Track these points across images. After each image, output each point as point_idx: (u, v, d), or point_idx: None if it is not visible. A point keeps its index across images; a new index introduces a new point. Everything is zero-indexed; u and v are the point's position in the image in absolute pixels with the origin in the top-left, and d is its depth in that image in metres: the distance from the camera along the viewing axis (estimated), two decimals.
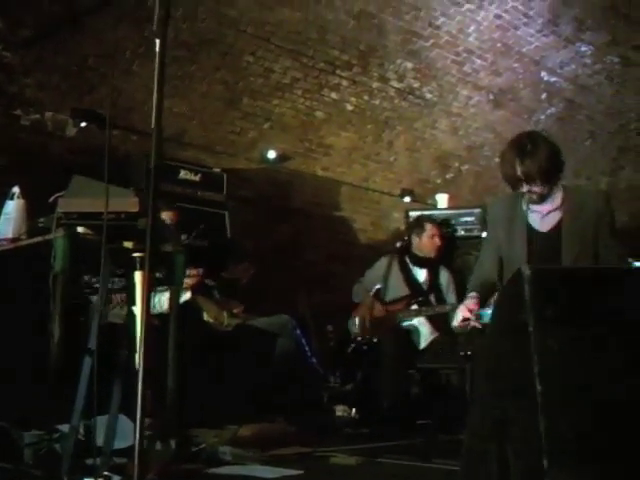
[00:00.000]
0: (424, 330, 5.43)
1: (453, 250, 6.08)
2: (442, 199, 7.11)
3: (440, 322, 5.30)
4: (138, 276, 2.68)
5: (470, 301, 3.45)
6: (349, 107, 6.86)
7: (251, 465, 3.42)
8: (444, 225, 6.11)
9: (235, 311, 5.07)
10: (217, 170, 6.01)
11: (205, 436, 3.63)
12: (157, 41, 2.03)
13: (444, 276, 5.66)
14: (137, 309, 2.60)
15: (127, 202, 2.71)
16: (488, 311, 3.39)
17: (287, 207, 6.99)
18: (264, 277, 5.64)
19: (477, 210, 6.19)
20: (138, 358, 1.89)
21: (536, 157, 3.24)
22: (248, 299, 5.31)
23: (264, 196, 6.80)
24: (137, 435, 1.78)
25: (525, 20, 6.61)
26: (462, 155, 7.82)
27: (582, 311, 1.90)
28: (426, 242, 5.69)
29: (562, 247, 3.36)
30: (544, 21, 6.68)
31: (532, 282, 1.87)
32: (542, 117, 7.80)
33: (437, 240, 5.71)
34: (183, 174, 5.79)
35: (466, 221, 6.18)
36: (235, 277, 5.33)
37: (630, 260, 5.02)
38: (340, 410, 5.60)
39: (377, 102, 6.94)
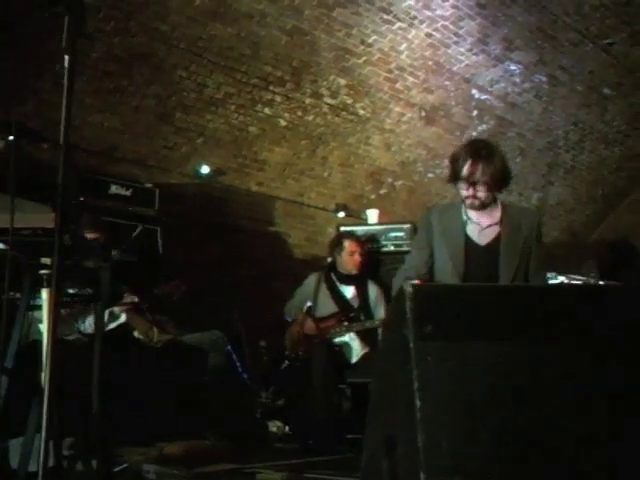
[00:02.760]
0: (355, 345, 5.46)
1: (381, 265, 6.13)
2: (372, 214, 7.16)
3: (370, 337, 5.35)
4: (45, 293, 2.63)
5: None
6: (283, 123, 6.88)
7: None
8: (370, 241, 6.17)
9: (164, 327, 5.03)
10: (149, 185, 5.96)
11: (129, 455, 3.59)
12: (66, 57, 2.00)
13: (373, 291, 5.69)
14: (43, 327, 2.56)
15: (44, 217, 2.67)
16: None
17: (221, 222, 6.96)
18: (197, 293, 5.60)
19: (407, 225, 6.26)
20: (44, 376, 1.86)
21: (490, 163, 3.33)
22: (180, 315, 5.27)
23: (197, 211, 6.75)
24: (41, 457, 1.74)
25: (455, 39, 6.75)
26: (395, 171, 7.90)
27: (460, 327, 1.95)
28: (346, 259, 5.72)
29: (500, 262, 3.43)
30: (474, 40, 6.83)
31: (413, 299, 1.91)
32: (474, 134, 7.93)
33: (357, 257, 5.72)
34: (114, 189, 5.72)
35: (396, 236, 6.24)
36: (166, 293, 5.29)
37: (554, 275, 5.16)
38: (273, 426, 5.59)
39: (311, 118, 6.97)
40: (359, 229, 6.29)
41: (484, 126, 7.94)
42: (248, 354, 5.83)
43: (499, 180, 3.39)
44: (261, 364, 6.08)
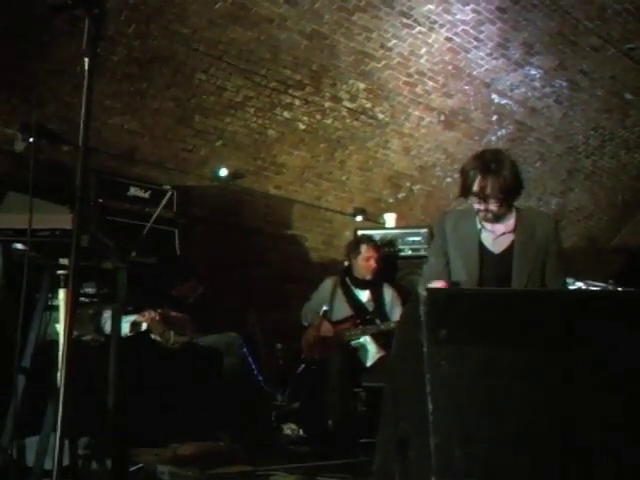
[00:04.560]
0: (371, 348, 5.47)
1: (398, 269, 6.13)
2: (390, 218, 7.16)
3: (386, 340, 5.34)
4: (62, 294, 2.65)
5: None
6: (301, 126, 6.89)
7: None
8: (388, 245, 6.17)
9: (181, 329, 5.05)
10: (167, 187, 5.99)
11: (144, 455, 3.61)
12: (86, 59, 2.02)
13: (388, 294, 5.70)
14: (60, 327, 2.58)
15: (62, 219, 2.69)
16: None
17: (238, 225, 6.99)
18: (213, 295, 5.63)
19: (424, 230, 6.27)
20: (59, 377, 1.88)
21: (499, 176, 3.27)
22: (197, 317, 5.29)
23: (215, 214, 6.78)
24: (56, 456, 1.76)
25: (475, 43, 6.74)
26: (414, 175, 7.89)
27: (474, 332, 1.94)
28: (362, 264, 5.73)
29: (513, 269, 3.39)
30: (494, 45, 6.82)
31: (427, 304, 1.91)
32: (493, 138, 7.92)
33: (372, 262, 5.74)
34: (133, 191, 5.74)
35: (413, 240, 6.23)
36: (182, 294, 5.32)
37: (572, 280, 5.13)
38: (288, 428, 5.60)
39: (329, 122, 6.98)
40: (376, 233, 6.29)
41: (503, 131, 7.92)
42: (264, 356, 5.84)
43: (511, 192, 3.34)
44: (277, 367, 6.10)
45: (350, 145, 7.29)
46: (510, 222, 3.45)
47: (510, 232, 3.44)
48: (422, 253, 6.00)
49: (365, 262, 5.72)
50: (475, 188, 3.29)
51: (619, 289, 5.59)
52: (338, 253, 7.37)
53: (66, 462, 2.88)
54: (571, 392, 1.92)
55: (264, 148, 6.88)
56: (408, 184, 7.95)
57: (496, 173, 3.27)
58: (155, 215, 5.41)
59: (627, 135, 8.47)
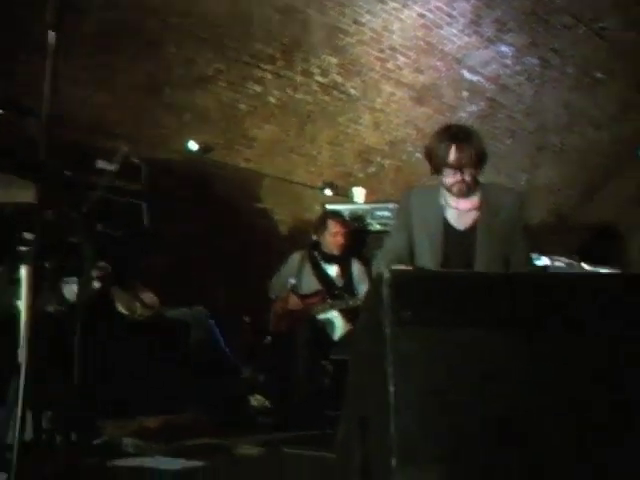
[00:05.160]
0: (339, 323, 5.51)
1: (367, 244, 6.15)
2: (359, 193, 7.17)
3: (353, 315, 5.37)
4: (23, 270, 2.64)
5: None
6: (273, 100, 6.87)
7: (152, 457, 3.43)
8: (356, 220, 6.18)
9: (148, 302, 5.04)
10: (135, 160, 5.95)
11: (108, 428, 3.63)
12: (51, 32, 2.02)
13: (356, 268, 5.72)
14: (22, 303, 2.58)
15: (27, 193, 2.69)
16: None
17: (208, 198, 6.97)
18: (182, 267, 5.64)
19: (393, 205, 6.26)
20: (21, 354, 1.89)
21: (471, 143, 3.29)
22: (165, 290, 5.29)
23: (185, 187, 6.76)
24: (16, 431, 1.78)
25: (448, 20, 6.75)
26: (384, 150, 7.91)
27: (436, 314, 1.96)
28: (329, 240, 5.73)
29: (477, 246, 3.40)
30: (466, 21, 6.83)
31: (390, 285, 1.91)
32: (463, 115, 7.94)
33: (340, 238, 5.73)
34: (100, 164, 5.70)
35: (382, 215, 6.24)
36: (150, 267, 5.31)
37: (537, 256, 5.20)
38: (254, 400, 5.64)
39: (301, 96, 6.97)
40: (345, 208, 6.29)
41: (474, 107, 7.95)
42: (232, 329, 5.86)
43: (482, 160, 3.35)
44: (244, 339, 6.12)
45: (321, 120, 7.29)
46: (475, 199, 3.44)
47: (475, 209, 3.44)
48: (390, 228, 6.01)
49: (332, 238, 5.73)
50: (451, 158, 3.28)
51: (583, 264, 5.69)
52: (307, 226, 7.38)
53: (30, 436, 2.91)
54: (534, 374, 1.94)
55: (235, 122, 6.85)
56: (378, 159, 7.97)
57: (468, 141, 3.29)
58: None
59: (596, 113, 8.54)
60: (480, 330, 1.96)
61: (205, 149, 6.79)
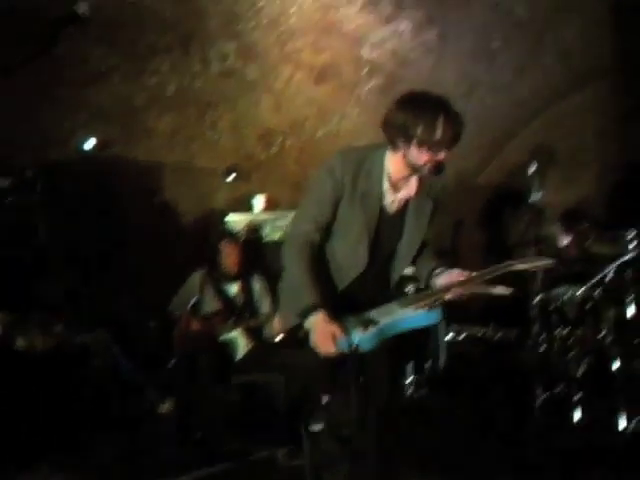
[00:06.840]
0: (241, 342, 5.56)
1: (267, 255, 6.16)
2: (259, 202, 7.12)
3: (256, 332, 5.47)
4: None
5: None
6: (170, 91, 6.69)
7: None
8: (254, 232, 6.18)
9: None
10: (29, 171, 5.66)
11: None
12: None
13: (257, 285, 5.77)
14: None
15: None
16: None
17: (110, 196, 6.78)
18: (86, 283, 5.51)
19: (293, 214, 6.24)
20: None
21: (458, 118, 2.94)
22: (68, 310, 5.18)
23: (84, 187, 6.55)
24: None
25: (346, 1, 6.63)
26: (285, 131, 7.82)
27: None
28: (225, 261, 5.79)
29: (405, 229, 3.13)
30: (365, 1, 6.72)
31: None
32: (364, 89, 7.89)
33: (234, 258, 5.81)
34: None
35: (282, 225, 6.23)
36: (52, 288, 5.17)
37: None
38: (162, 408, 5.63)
39: (199, 84, 6.81)
40: (245, 218, 6.27)
41: (373, 82, 7.90)
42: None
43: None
44: (149, 347, 6.03)
45: (221, 106, 7.16)
46: (413, 182, 3.07)
47: (412, 194, 3.09)
48: None
49: (227, 259, 5.77)
50: (438, 134, 2.84)
51: None
52: (212, 215, 7.32)
53: None
54: None
55: (132, 116, 6.65)
56: (280, 140, 7.88)
57: (457, 115, 2.94)
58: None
59: (493, 80, 8.62)
60: None
61: (103, 146, 6.56)
